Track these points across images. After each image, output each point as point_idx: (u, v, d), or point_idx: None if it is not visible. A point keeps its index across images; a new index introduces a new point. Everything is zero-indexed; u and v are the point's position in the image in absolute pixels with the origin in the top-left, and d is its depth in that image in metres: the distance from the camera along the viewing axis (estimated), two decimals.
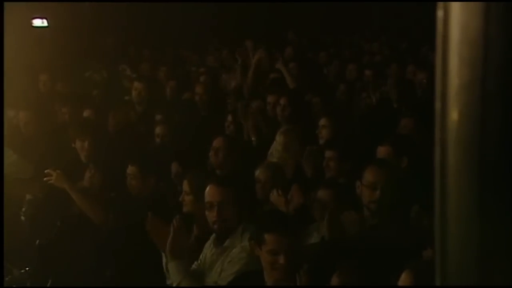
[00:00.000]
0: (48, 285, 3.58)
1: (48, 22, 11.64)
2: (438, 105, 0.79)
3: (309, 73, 7.76)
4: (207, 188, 3.34)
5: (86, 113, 5.87)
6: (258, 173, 3.96)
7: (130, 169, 4.22)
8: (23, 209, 4.16)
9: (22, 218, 4.18)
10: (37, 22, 11.57)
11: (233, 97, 6.71)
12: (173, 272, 3.27)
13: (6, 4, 7.70)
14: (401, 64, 7.82)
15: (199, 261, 3.41)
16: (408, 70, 7.41)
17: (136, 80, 6.83)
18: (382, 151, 4.00)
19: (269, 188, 3.92)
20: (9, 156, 4.52)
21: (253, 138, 5.36)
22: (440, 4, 0.77)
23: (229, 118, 5.71)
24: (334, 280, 2.65)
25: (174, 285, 3.27)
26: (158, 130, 5.47)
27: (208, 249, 3.39)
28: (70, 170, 4.51)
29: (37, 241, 3.72)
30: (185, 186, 3.75)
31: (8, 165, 4.37)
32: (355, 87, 7.01)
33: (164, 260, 3.39)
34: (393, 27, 12.52)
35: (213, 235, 3.40)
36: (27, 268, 3.47)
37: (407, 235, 3.11)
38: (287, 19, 13.00)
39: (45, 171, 4.14)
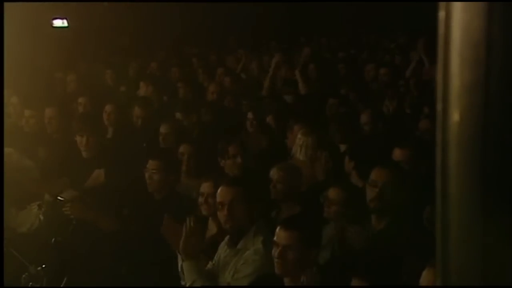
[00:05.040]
0: (64, 282, 3.61)
1: (68, 23, 11.75)
2: (439, 106, 0.78)
3: (326, 75, 7.73)
4: (219, 190, 3.34)
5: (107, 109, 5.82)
6: (272, 173, 3.95)
7: (151, 164, 4.07)
8: (43, 209, 4.19)
9: (41, 217, 4.21)
10: (57, 23, 11.69)
11: (250, 97, 6.70)
12: (186, 272, 3.28)
13: (26, 5, 7.79)
14: (421, 64, 7.75)
15: (213, 261, 3.42)
16: (426, 70, 7.35)
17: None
18: (398, 153, 3.96)
19: (281, 188, 3.90)
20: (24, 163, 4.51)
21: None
22: (442, 5, 0.77)
23: (250, 115, 5.54)
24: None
25: (188, 285, 3.28)
26: (163, 129, 5.14)
27: (222, 249, 3.39)
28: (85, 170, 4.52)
29: (53, 239, 3.76)
30: (205, 188, 3.70)
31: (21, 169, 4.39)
32: (373, 88, 6.97)
33: (179, 261, 3.39)
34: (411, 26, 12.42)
35: (227, 236, 3.41)
36: (43, 266, 3.50)
37: (420, 236, 3.08)
38: (306, 20, 12.98)
39: (58, 197, 3.99)
